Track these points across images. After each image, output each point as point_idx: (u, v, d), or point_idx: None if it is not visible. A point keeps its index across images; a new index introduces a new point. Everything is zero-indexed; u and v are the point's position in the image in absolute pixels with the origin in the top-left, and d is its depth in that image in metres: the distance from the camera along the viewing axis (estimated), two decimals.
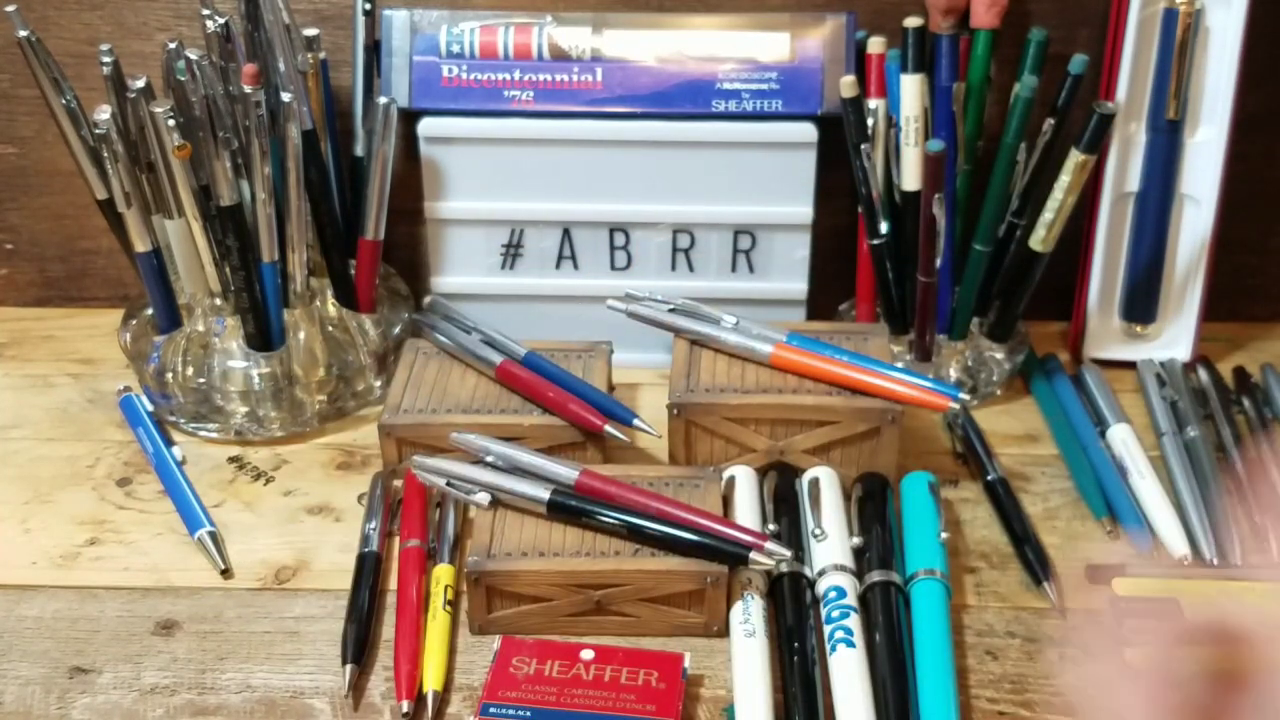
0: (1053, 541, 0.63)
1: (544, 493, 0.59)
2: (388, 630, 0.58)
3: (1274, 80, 0.75)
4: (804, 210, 0.74)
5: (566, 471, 0.61)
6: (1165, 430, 0.70)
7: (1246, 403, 0.72)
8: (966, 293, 0.73)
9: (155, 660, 0.57)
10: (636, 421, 0.65)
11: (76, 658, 0.57)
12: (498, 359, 0.69)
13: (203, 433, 0.71)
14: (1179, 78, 0.70)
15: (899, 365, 0.67)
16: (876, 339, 0.69)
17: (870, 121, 0.71)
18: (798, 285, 0.76)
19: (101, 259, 0.83)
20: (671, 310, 0.70)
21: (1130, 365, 0.76)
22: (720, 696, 0.55)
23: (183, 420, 0.72)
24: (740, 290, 0.76)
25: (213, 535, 0.63)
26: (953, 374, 0.74)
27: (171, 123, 0.64)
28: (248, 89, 0.65)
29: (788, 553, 0.56)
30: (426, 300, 0.76)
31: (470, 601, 0.58)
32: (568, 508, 0.59)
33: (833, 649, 0.55)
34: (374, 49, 0.74)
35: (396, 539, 0.63)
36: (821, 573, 0.58)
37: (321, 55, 0.72)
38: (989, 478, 0.66)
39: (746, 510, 0.62)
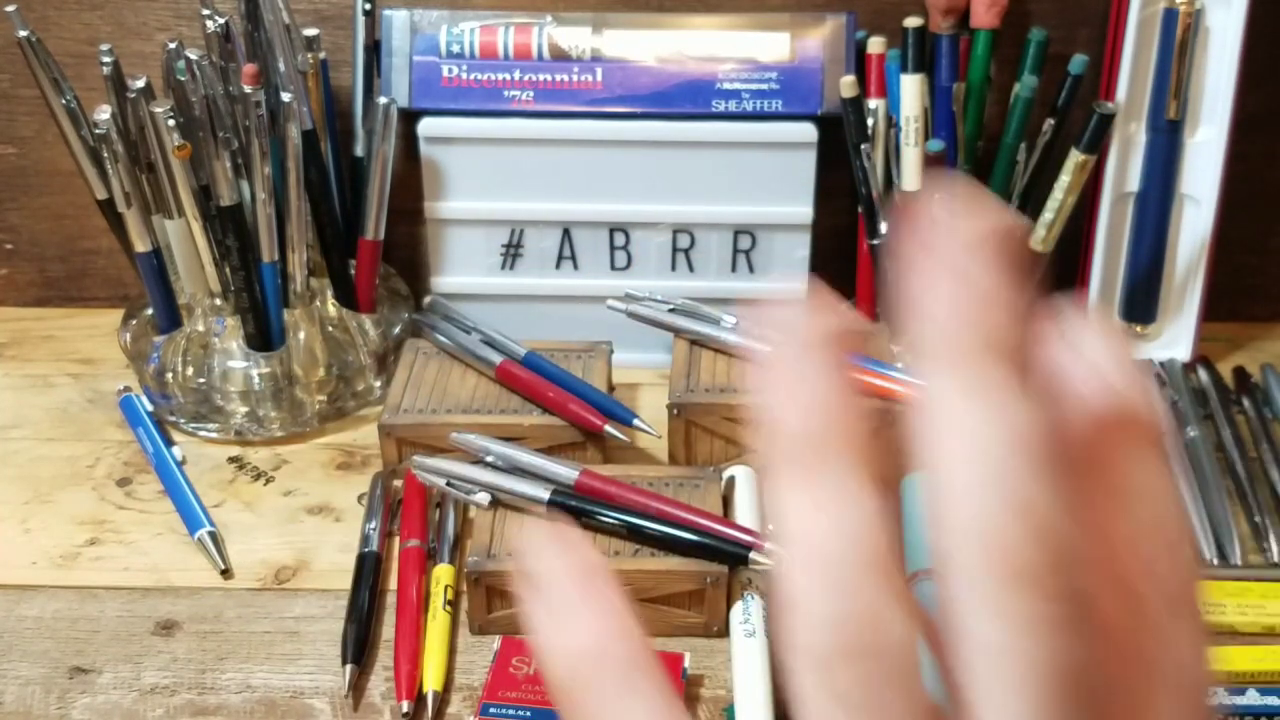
0: None
1: (544, 493, 0.59)
2: (388, 630, 0.58)
3: (1274, 80, 0.75)
4: (804, 210, 0.74)
5: (566, 471, 0.61)
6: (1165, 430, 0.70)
7: (1246, 403, 0.72)
8: None
9: (155, 660, 0.57)
10: (636, 421, 0.65)
11: (76, 658, 0.57)
12: (498, 359, 0.69)
13: (203, 433, 0.71)
14: (1179, 78, 0.70)
15: (899, 365, 0.67)
16: (876, 339, 0.69)
17: (870, 121, 0.71)
18: (798, 285, 0.76)
19: (101, 259, 0.83)
20: (671, 310, 0.70)
21: None
22: (720, 696, 0.55)
23: (183, 420, 0.72)
24: (740, 290, 0.76)
25: (213, 535, 0.63)
26: None
27: (171, 123, 0.64)
28: (248, 89, 0.65)
29: None
30: (426, 300, 0.76)
31: (470, 601, 0.58)
32: (568, 508, 0.59)
33: None
34: (374, 49, 0.74)
35: (396, 539, 0.63)
36: None
37: (321, 55, 0.72)
38: None
39: (746, 510, 0.62)
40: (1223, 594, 0.58)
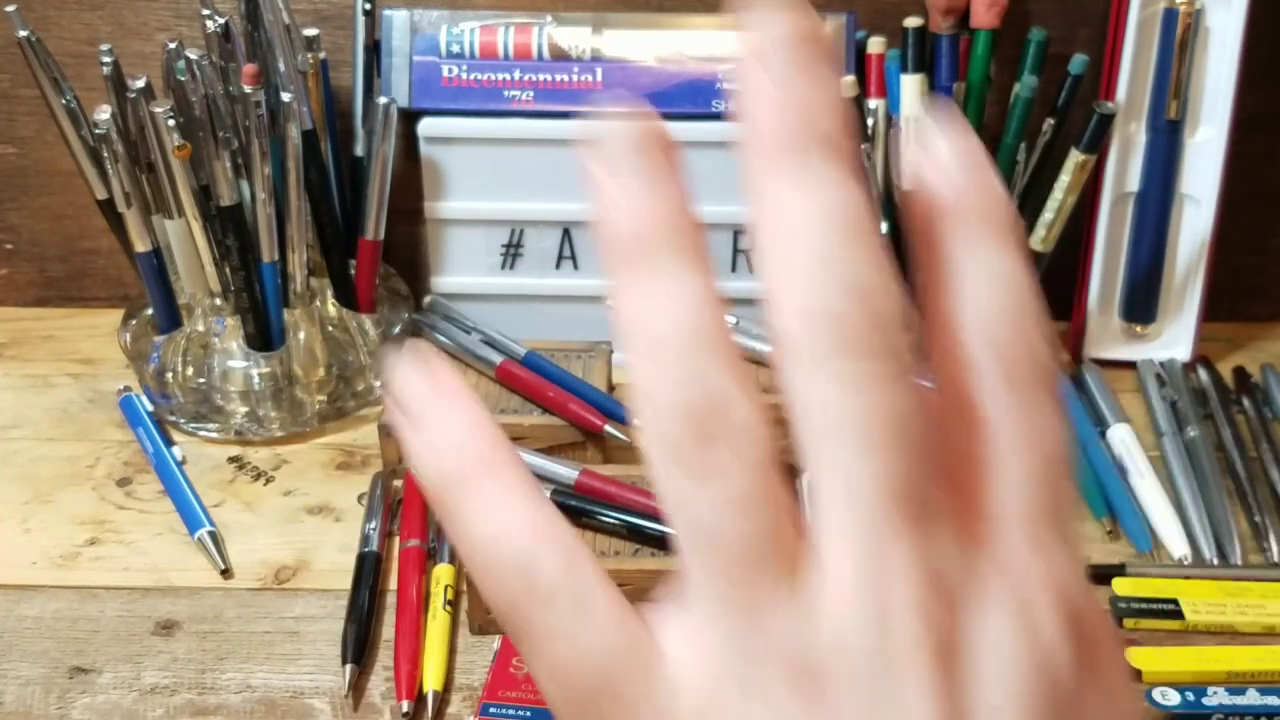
0: None
1: (544, 493, 0.59)
2: (388, 630, 0.58)
3: (1274, 80, 0.75)
4: None
5: (566, 471, 0.61)
6: (1165, 430, 0.70)
7: (1246, 403, 0.72)
8: None
9: (155, 660, 0.57)
10: None
11: (76, 658, 0.57)
12: (498, 359, 0.69)
13: (203, 433, 0.71)
14: (1179, 78, 0.70)
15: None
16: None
17: (870, 121, 0.71)
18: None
19: (101, 259, 0.83)
20: None
21: (1130, 365, 0.76)
22: None
23: (183, 420, 0.72)
24: (740, 290, 0.76)
25: (213, 535, 0.63)
26: None
27: (171, 123, 0.64)
28: (248, 89, 0.65)
29: None
30: (426, 300, 0.76)
31: (470, 601, 0.58)
32: (568, 508, 0.59)
33: None
34: (374, 49, 0.74)
35: (396, 539, 0.63)
36: None
37: (321, 55, 0.72)
38: None
39: None
40: (1223, 594, 0.59)
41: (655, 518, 0.58)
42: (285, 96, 0.65)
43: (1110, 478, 0.67)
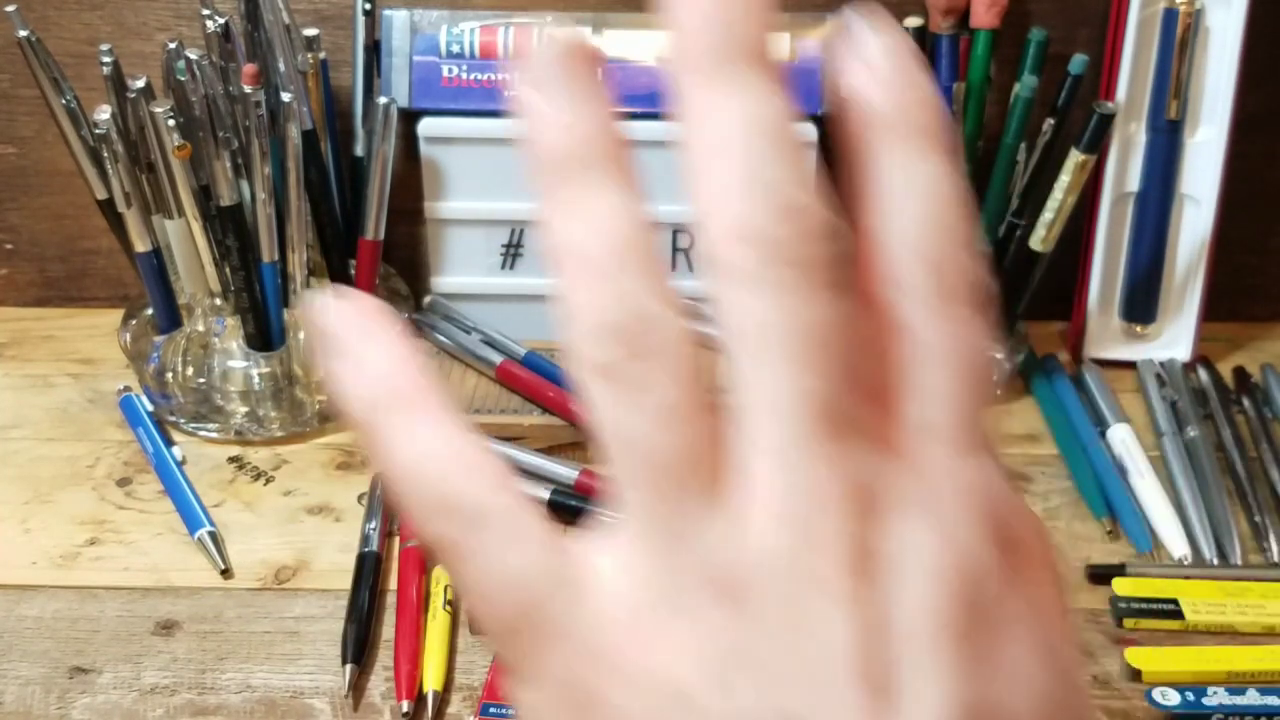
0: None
1: (544, 493, 0.59)
2: (388, 630, 0.58)
3: (1274, 80, 0.75)
4: None
5: (566, 471, 0.61)
6: (1165, 430, 0.70)
7: (1246, 403, 0.72)
8: None
9: (155, 660, 0.57)
10: None
11: (76, 658, 0.57)
12: (498, 359, 0.69)
13: (203, 433, 0.71)
14: (1179, 78, 0.70)
15: None
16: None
17: None
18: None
19: (101, 259, 0.83)
20: None
21: (1130, 365, 0.76)
22: None
23: (183, 420, 0.72)
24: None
25: (213, 535, 0.63)
26: None
27: (171, 123, 0.64)
28: (248, 89, 0.65)
29: None
30: (426, 300, 0.76)
31: None
32: (568, 508, 0.59)
33: None
34: (374, 49, 0.74)
35: (396, 539, 0.63)
36: None
37: (321, 55, 0.72)
38: None
39: None
40: (1223, 594, 0.59)
41: None
42: (285, 96, 0.65)
43: (1110, 478, 0.67)
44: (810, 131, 0.72)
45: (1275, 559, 0.62)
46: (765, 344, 0.21)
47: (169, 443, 0.70)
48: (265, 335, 0.70)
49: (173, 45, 0.65)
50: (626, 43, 0.73)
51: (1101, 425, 0.71)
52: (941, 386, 0.22)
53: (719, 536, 0.21)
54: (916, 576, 0.21)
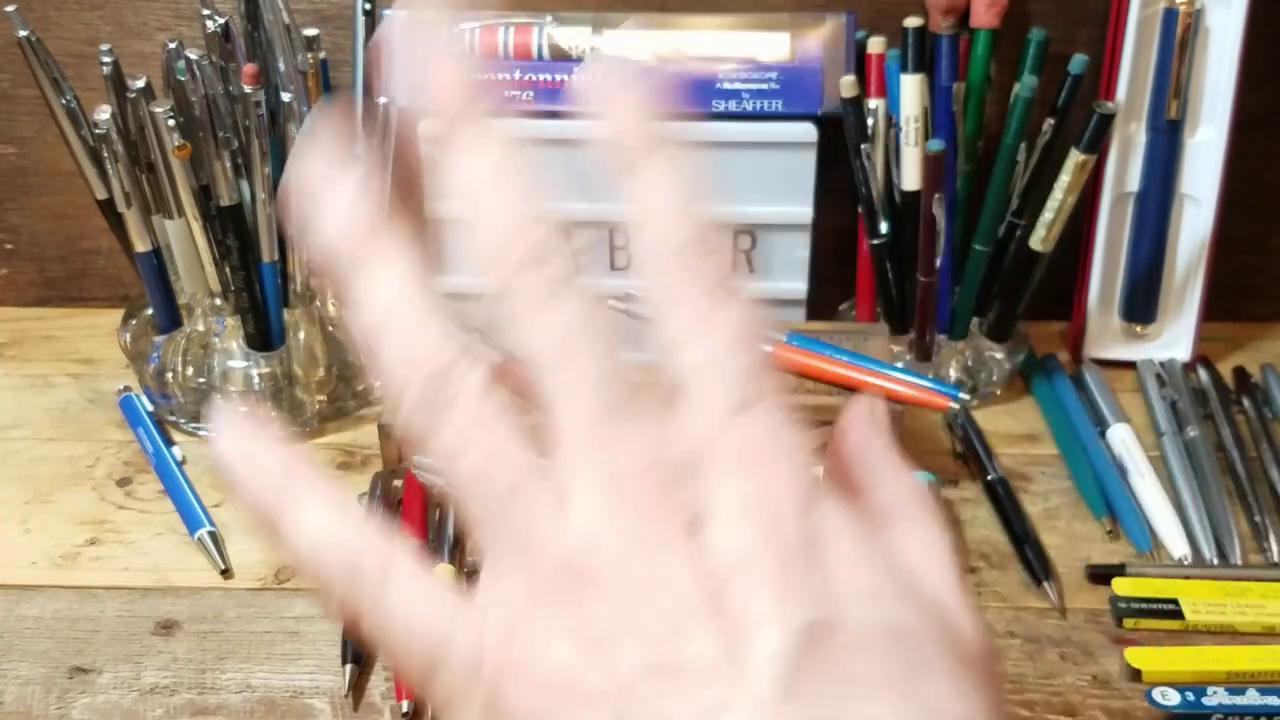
0: (1053, 541, 0.63)
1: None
2: None
3: (1274, 80, 0.75)
4: (804, 210, 0.74)
5: None
6: (1165, 430, 0.70)
7: (1246, 403, 0.72)
8: (966, 293, 0.73)
9: (155, 660, 0.57)
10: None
11: (76, 658, 0.57)
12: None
13: (203, 433, 0.71)
14: (1179, 78, 0.70)
15: (899, 365, 0.68)
16: (876, 339, 0.69)
17: (870, 121, 0.71)
18: (798, 285, 0.76)
19: (101, 259, 0.83)
20: None
21: (1130, 365, 0.76)
22: None
23: (183, 420, 0.72)
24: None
25: (213, 535, 0.63)
26: (953, 374, 0.74)
27: (171, 123, 0.64)
28: (248, 89, 0.65)
29: None
30: None
31: None
32: None
33: None
34: None
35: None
36: None
37: (321, 55, 0.72)
38: (989, 478, 0.66)
39: None
40: (1223, 594, 0.59)
41: None
42: (285, 96, 0.65)
43: (1110, 478, 0.67)
44: (810, 132, 0.72)
45: (1275, 559, 0.62)
46: (543, 349, 0.26)
47: (169, 443, 0.70)
48: (265, 335, 0.70)
49: (173, 45, 0.65)
50: (626, 43, 0.73)
51: (1101, 425, 0.71)
52: (707, 355, 0.26)
53: (553, 531, 0.24)
54: (726, 521, 0.24)
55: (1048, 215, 0.69)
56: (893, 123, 0.71)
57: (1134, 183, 0.73)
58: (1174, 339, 0.76)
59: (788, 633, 0.23)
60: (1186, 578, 0.60)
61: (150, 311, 0.72)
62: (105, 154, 0.66)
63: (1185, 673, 0.55)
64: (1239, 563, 0.61)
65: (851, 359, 0.65)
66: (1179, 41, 0.69)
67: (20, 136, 0.79)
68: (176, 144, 0.64)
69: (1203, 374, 0.75)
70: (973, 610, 0.27)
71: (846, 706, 0.23)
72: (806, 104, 0.72)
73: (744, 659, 0.23)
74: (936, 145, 0.66)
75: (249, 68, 0.65)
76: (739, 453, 0.25)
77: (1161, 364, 0.75)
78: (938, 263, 0.69)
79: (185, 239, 0.69)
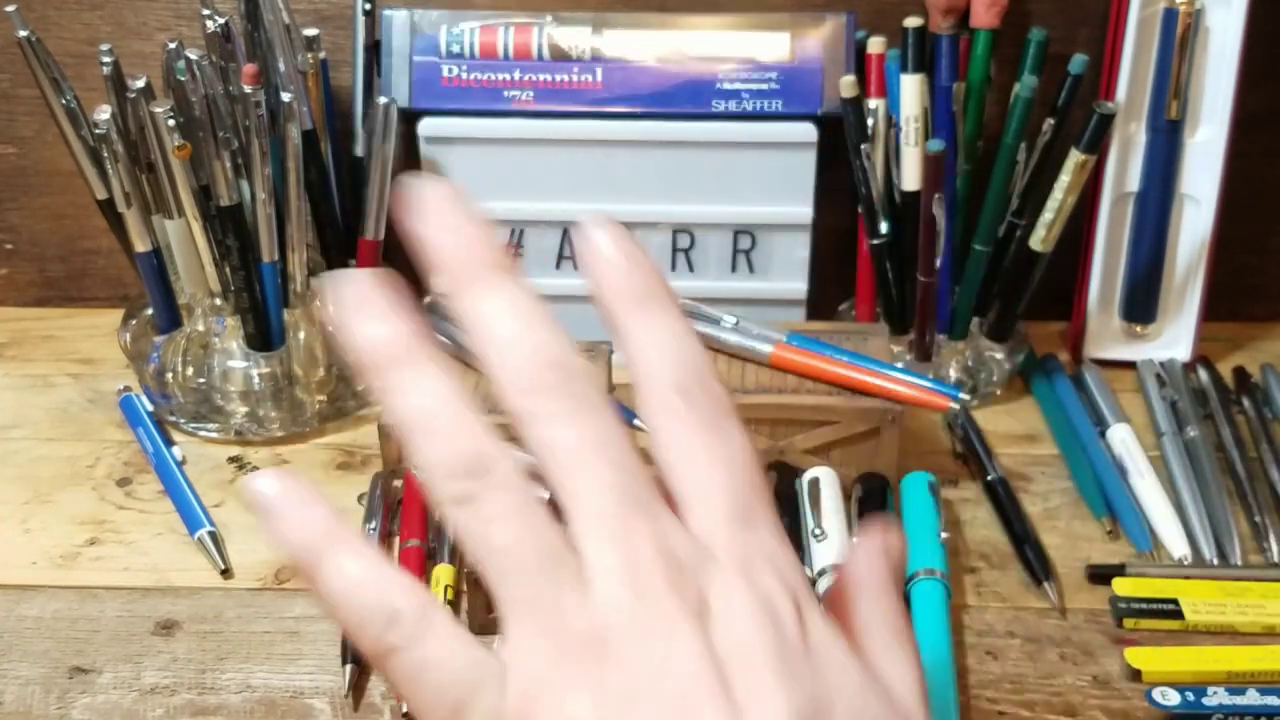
0: (1053, 541, 0.63)
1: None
2: None
3: (1274, 80, 0.75)
4: (804, 210, 0.74)
5: None
6: (1165, 430, 0.70)
7: (1246, 403, 0.72)
8: (966, 293, 0.73)
9: (155, 660, 0.57)
10: (636, 421, 0.65)
11: (76, 658, 0.57)
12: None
13: (203, 433, 0.71)
14: (1179, 78, 0.70)
15: (899, 365, 0.68)
16: (876, 339, 0.69)
17: (870, 121, 0.71)
18: (798, 285, 0.76)
19: (101, 259, 0.83)
20: None
21: (1130, 365, 0.76)
22: None
23: (183, 420, 0.72)
24: (740, 290, 0.76)
25: (213, 535, 0.63)
26: (953, 374, 0.74)
27: (171, 123, 0.64)
28: (248, 89, 0.65)
29: None
30: (426, 300, 0.76)
31: (470, 601, 0.58)
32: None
33: None
34: (374, 49, 0.74)
35: (396, 539, 0.63)
36: (822, 573, 0.58)
37: (321, 55, 0.72)
38: (989, 478, 0.66)
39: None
40: (1223, 594, 0.59)
41: None
42: (285, 96, 0.65)
43: (1110, 478, 0.67)
44: (810, 132, 0.72)
45: (1275, 559, 0.62)
46: (565, 457, 0.29)
47: (169, 443, 0.70)
48: (265, 335, 0.70)
49: (173, 45, 0.65)
50: (626, 43, 0.73)
51: (1101, 425, 0.71)
52: (713, 481, 0.30)
53: (576, 606, 0.28)
54: (734, 613, 0.28)
55: (1048, 215, 0.69)
56: (893, 123, 0.71)
57: (1134, 183, 0.73)
58: (1174, 339, 0.76)
59: (788, 710, 0.27)
60: (1186, 578, 0.60)
61: (150, 311, 0.72)
62: (105, 154, 0.66)
63: (1185, 673, 0.55)
64: (1239, 563, 0.61)
65: (851, 359, 0.65)
66: (1179, 41, 0.69)
67: (20, 136, 0.79)
68: (176, 144, 0.65)
69: (1203, 374, 0.75)
70: None
71: None
72: (806, 104, 0.72)
73: None
74: (936, 145, 0.66)
75: (249, 68, 0.65)
76: (742, 559, 0.29)
77: (1161, 364, 0.75)
78: (938, 263, 0.69)
79: (185, 239, 0.69)
